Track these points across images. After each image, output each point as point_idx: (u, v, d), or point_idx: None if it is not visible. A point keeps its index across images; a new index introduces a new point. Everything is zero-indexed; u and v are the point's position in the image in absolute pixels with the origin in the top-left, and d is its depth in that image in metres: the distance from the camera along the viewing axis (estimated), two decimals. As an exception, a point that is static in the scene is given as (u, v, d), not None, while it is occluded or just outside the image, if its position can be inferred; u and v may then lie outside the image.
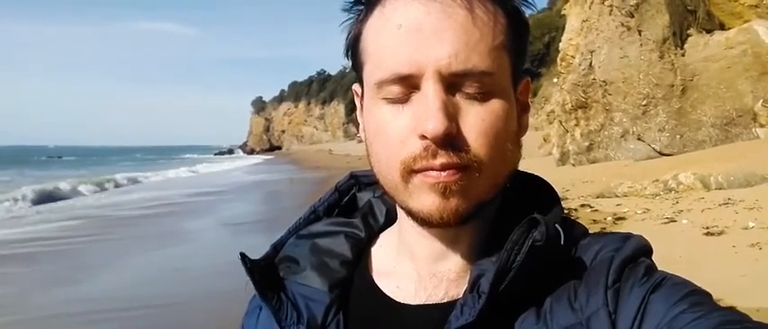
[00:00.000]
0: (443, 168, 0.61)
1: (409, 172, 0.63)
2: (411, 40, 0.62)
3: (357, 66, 0.71)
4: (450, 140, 0.61)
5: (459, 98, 0.63)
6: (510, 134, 0.67)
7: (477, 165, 0.63)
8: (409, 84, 0.63)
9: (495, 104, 0.64)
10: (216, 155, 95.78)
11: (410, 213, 0.66)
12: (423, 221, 0.66)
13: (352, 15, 0.71)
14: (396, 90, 0.64)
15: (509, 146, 0.67)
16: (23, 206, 16.79)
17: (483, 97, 0.64)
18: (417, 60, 0.62)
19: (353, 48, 0.70)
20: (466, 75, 0.62)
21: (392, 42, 0.64)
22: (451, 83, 0.62)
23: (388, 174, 0.66)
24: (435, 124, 0.60)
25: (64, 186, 19.43)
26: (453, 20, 0.63)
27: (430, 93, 0.62)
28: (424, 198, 0.63)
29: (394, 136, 0.64)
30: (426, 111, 0.61)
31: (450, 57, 0.62)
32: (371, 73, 0.66)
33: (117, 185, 21.70)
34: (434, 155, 0.61)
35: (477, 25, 0.63)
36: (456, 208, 0.63)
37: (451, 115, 0.62)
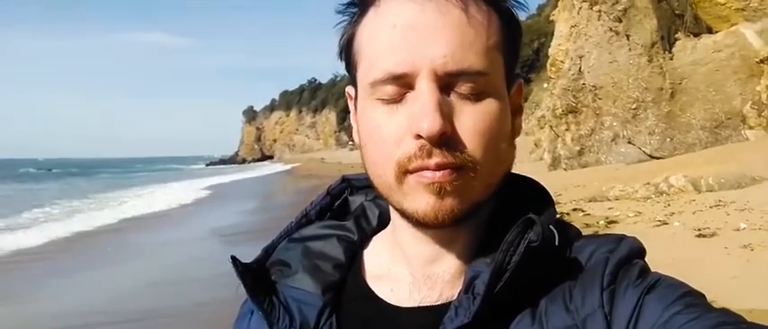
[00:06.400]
0: (438, 168, 0.61)
1: (404, 172, 0.62)
2: (406, 38, 0.62)
3: (351, 68, 0.70)
4: (446, 140, 0.61)
5: (453, 97, 0.62)
6: (504, 135, 0.66)
7: (471, 165, 0.62)
8: (404, 83, 0.62)
9: (490, 104, 0.64)
10: (207, 165, 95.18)
11: (405, 214, 0.66)
12: (417, 222, 0.65)
13: (345, 17, 0.70)
14: (390, 90, 0.63)
15: (503, 147, 0.66)
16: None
17: (477, 97, 0.63)
18: (412, 59, 0.61)
19: (347, 49, 0.70)
20: (461, 75, 0.62)
21: (386, 42, 0.63)
22: (446, 82, 0.62)
23: (383, 175, 0.65)
24: (430, 123, 0.59)
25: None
26: (448, 19, 0.62)
27: (424, 92, 0.61)
28: (419, 198, 0.63)
29: (388, 136, 0.63)
30: (421, 110, 0.60)
31: (446, 56, 0.61)
32: (365, 73, 0.65)
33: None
34: (429, 155, 0.61)
35: (472, 25, 0.63)
36: (451, 209, 0.62)
37: (446, 115, 0.61)
